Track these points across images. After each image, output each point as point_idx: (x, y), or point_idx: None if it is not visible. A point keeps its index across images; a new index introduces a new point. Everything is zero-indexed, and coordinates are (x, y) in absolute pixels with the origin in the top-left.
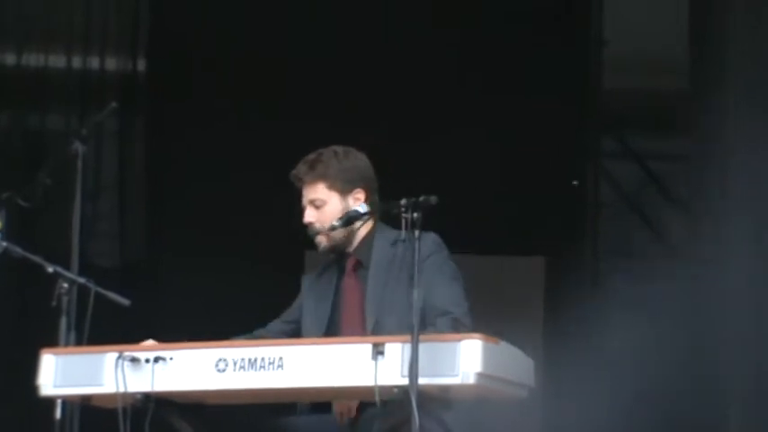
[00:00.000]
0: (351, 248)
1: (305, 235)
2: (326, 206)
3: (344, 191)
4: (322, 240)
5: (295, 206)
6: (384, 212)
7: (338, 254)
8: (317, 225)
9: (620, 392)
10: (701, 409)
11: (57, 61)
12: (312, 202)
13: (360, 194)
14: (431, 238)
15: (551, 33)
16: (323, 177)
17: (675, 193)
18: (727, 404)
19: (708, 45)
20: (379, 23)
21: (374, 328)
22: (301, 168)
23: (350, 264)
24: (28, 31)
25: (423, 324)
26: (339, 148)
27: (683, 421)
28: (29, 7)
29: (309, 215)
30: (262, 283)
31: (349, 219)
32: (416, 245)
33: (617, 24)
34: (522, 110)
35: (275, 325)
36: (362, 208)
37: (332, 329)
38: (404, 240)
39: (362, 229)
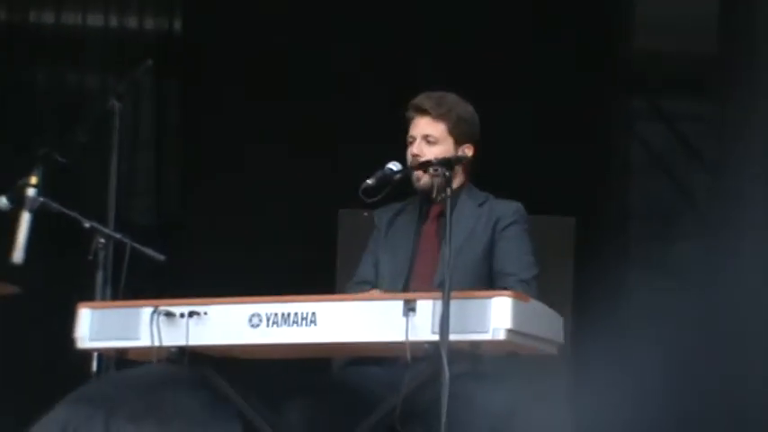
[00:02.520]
0: (439, 197)
1: (340, 195)
2: (437, 146)
3: (459, 140)
4: (422, 177)
5: (332, 165)
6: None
7: (424, 198)
8: (422, 159)
9: (648, 353)
10: (727, 365)
11: (94, 20)
12: (426, 137)
13: (468, 149)
14: (514, 208)
15: (576, 20)
16: (447, 119)
17: (706, 155)
18: (753, 360)
19: (737, 8)
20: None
21: (442, 282)
22: (427, 102)
23: (434, 211)
24: None
25: (492, 286)
26: (461, 99)
27: (710, 378)
28: None
29: (419, 148)
30: (294, 240)
31: (384, 176)
32: (448, 202)
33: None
34: (553, 71)
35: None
36: (395, 166)
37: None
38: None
39: (455, 181)
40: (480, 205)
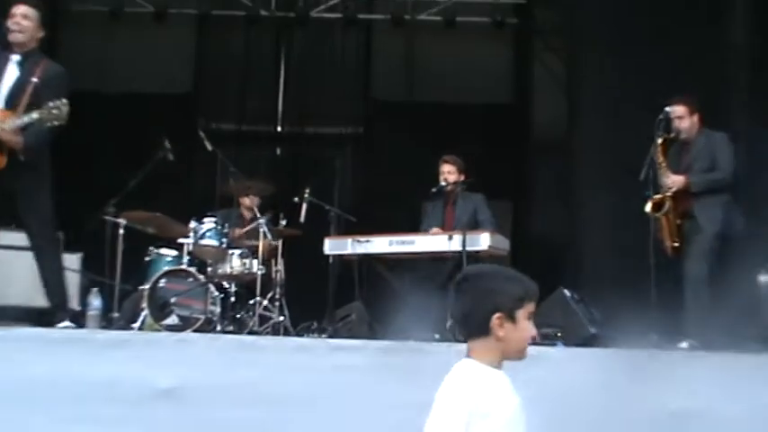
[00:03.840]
0: (452, 194)
1: (422, 196)
2: (455, 175)
3: (461, 174)
4: (449, 187)
5: (420, 188)
6: (449, 185)
7: (447, 194)
8: (452, 181)
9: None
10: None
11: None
12: (449, 172)
13: (462, 176)
14: (480, 196)
15: (512, 121)
16: (458, 165)
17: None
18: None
19: (577, 118)
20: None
21: (456, 227)
22: (450, 158)
23: (450, 200)
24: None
25: (479, 225)
26: (459, 158)
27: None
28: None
29: (449, 176)
30: (407, 213)
31: (439, 189)
32: (462, 200)
33: (538, 114)
34: (497, 148)
35: None
36: (445, 182)
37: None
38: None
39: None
40: (465, 198)
